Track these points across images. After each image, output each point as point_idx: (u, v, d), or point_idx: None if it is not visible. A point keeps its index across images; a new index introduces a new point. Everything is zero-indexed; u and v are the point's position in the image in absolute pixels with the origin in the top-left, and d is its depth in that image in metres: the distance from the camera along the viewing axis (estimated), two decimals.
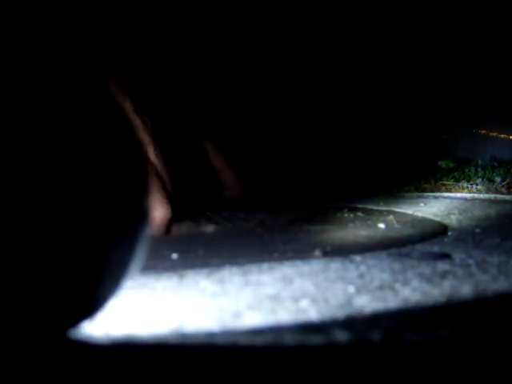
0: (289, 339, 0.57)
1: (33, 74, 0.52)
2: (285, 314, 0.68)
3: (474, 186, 3.86)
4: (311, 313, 0.68)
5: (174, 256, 1.09)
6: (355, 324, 0.63)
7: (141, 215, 0.54)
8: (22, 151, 0.46)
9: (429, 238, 1.39)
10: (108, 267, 0.52)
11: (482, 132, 5.38)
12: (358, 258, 1.08)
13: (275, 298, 0.75)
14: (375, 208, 2.31)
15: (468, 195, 3.37)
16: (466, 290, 0.80)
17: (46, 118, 0.49)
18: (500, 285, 0.83)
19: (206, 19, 2.49)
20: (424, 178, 4.26)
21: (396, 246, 1.25)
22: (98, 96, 0.55)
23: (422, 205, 2.51)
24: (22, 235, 0.46)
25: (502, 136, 5.25)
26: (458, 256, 1.10)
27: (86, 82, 0.55)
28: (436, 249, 1.22)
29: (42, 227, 0.47)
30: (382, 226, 1.63)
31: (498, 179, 3.89)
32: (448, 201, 2.81)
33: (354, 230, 1.55)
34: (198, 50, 2.29)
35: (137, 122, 1.34)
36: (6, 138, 0.46)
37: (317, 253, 1.12)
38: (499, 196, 3.27)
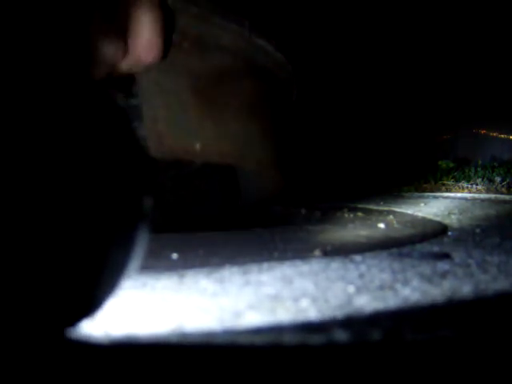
0: (289, 339, 0.57)
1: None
2: (285, 313, 0.68)
3: (474, 186, 3.86)
4: (311, 312, 0.68)
5: (174, 255, 1.09)
6: (355, 324, 0.63)
7: (139, 212, 0.54)
8: (15, 152, 0.46)
9: (429, 238, 1.39)
10: (106, 266, 0.52)
11: (482, 132, 5.38)
12: (358, 257, 1.07)
13: (275, 298, 0.75)
14: (375, 208, 2.31)
15: (468, 195, 3.37)
16: (466, 289, 0.80)
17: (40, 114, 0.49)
18: (500, 284, 0.83)
19: None
20: (424, 178, 4.26)
21: (396, 245, 1.25)
22: (92, 92, 0.54)
23: (422, 205, 2.51)
24: (20, 233, 0.46)
25: (502, 136, 5.25)
26: (458, 256, 1.10)
27: (81, 80, 0.55)
28: (436, 249, 1.22)
29: (40, 225, 0.46)
30: (382, 225, 1.63)
31: (498, 179, 3.89)
32: (448, 201, 2.81)
33: (354, 230, 1.55)
34: None
35: None
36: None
37: (317, 252, 1.12)
38: (499, 196, 3.27)
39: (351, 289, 0.80)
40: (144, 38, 0.92)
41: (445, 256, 1.09)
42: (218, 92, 1.54)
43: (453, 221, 1.84)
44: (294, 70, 1.93)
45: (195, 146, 1.46)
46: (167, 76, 1.42)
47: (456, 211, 2.18)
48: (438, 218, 1.92)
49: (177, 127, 1.44)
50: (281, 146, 1.89)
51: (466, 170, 4.37)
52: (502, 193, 3.54)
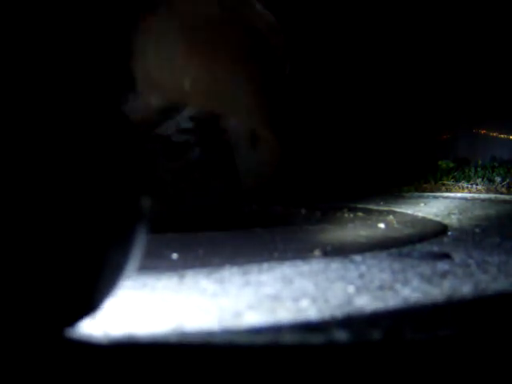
0: (289, 339, 0.57)
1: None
2: (285, 313, 0.68)
3: (474, 186, 3.86)
4: (311, 313, 0.68)
5: (174, 255, 1.09)
6: (355, 324, 0.63)
7: (137, 215, 0.54)
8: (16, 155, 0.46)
9: (429, 238, 1.39)
10: (105, 267, 0.52)
11: (482, 132, 5.38)
12: (358, 257, 1.07)
13: (275, 298, 0.75)
14: (375, 208, 2.31)
15: (468, 195, 3.37)
16: (466, 289, 0.80)
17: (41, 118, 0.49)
18: (500, 284, 0.83)
19: None
20: (424, 178, 4.26)
21: (396, 245, 1.25)
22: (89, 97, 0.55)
23: (422, 205, 2.51)
24: (20, 236, 0.46)
25: (502, 136, 5.25)
26: (458, 256, 1.10)
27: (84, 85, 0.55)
28: (436, 249, 1.22)
29: (40, 228, 0.46)
30: (382, 225, 1.63)
31: (498, 179, 3.89)
32: (448, 201, 2.81)
33: (354, 230, 1.55)
34: None
35: None
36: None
37: (317, 253, 1.12)
38: (499, 196, 3.27)
39: (351, 289, 0.80)
40: None
41: (445, 256, 1.09)
42: (205, 39, 1.59)
43: (453, 221, 1.84)
44: (288, 40, 1.95)
45: (183, 85, 1.50)
46: (156, 20, 1.48)
47: (456, 211, 2.18)
48: (438, 218, 1.92)
49: (165, 67, 1.50)
50: (274, 108, 1.89)
51: (466, 170, 4.37)
52: (501, 193, 3.54)
